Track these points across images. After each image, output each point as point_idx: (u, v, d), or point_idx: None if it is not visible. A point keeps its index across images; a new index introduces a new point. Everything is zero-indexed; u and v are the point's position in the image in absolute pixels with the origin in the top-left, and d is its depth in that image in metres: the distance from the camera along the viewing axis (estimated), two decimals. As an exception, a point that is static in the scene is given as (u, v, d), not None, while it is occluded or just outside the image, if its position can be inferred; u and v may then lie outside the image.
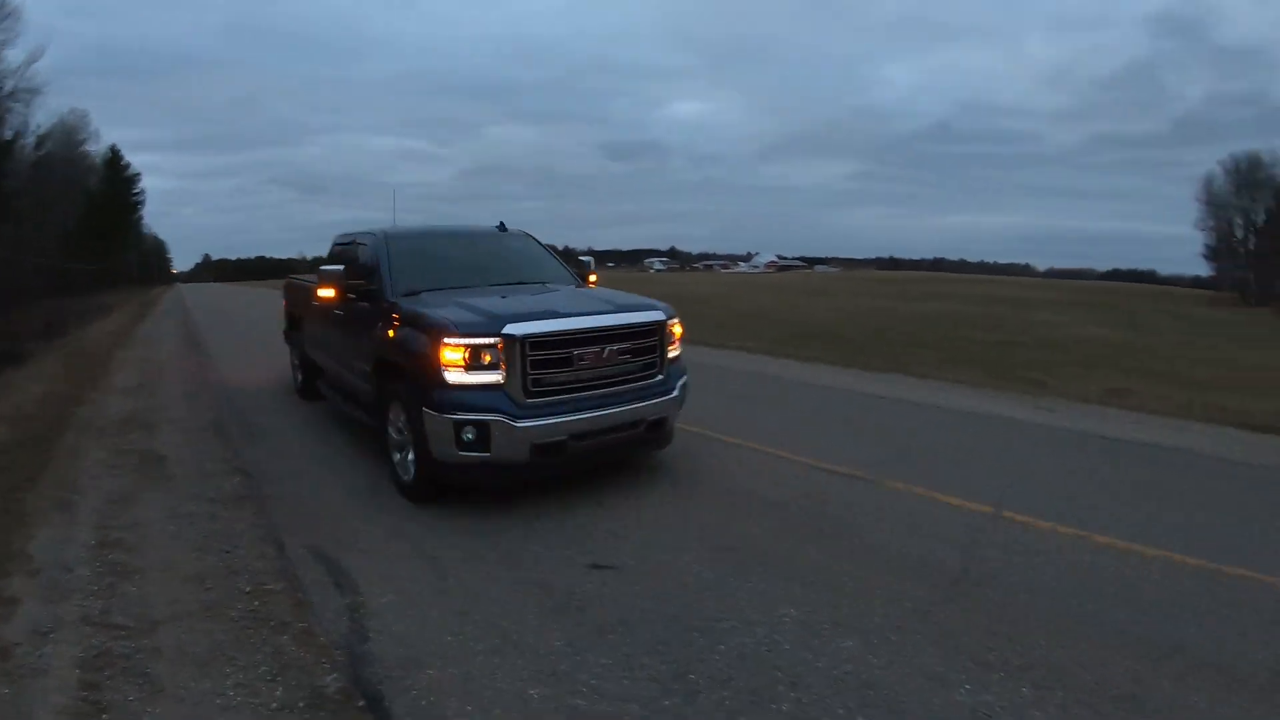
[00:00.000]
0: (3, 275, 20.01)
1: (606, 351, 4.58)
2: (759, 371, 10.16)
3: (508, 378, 4.30)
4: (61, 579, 3.49)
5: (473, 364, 4.26)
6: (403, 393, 4.67)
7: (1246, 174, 51.90)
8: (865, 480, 5.00)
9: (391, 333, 4.83)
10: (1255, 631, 3.06)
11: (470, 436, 4.22)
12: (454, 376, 4.27)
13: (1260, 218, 50.55)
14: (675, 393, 4.96)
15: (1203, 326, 24.07)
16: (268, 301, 21.43)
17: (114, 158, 51.99)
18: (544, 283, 5.85)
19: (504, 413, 4.24)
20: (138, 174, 56.71)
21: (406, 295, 5.10)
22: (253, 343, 13.36)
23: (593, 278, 6.36)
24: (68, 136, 39.90)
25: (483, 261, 6.08)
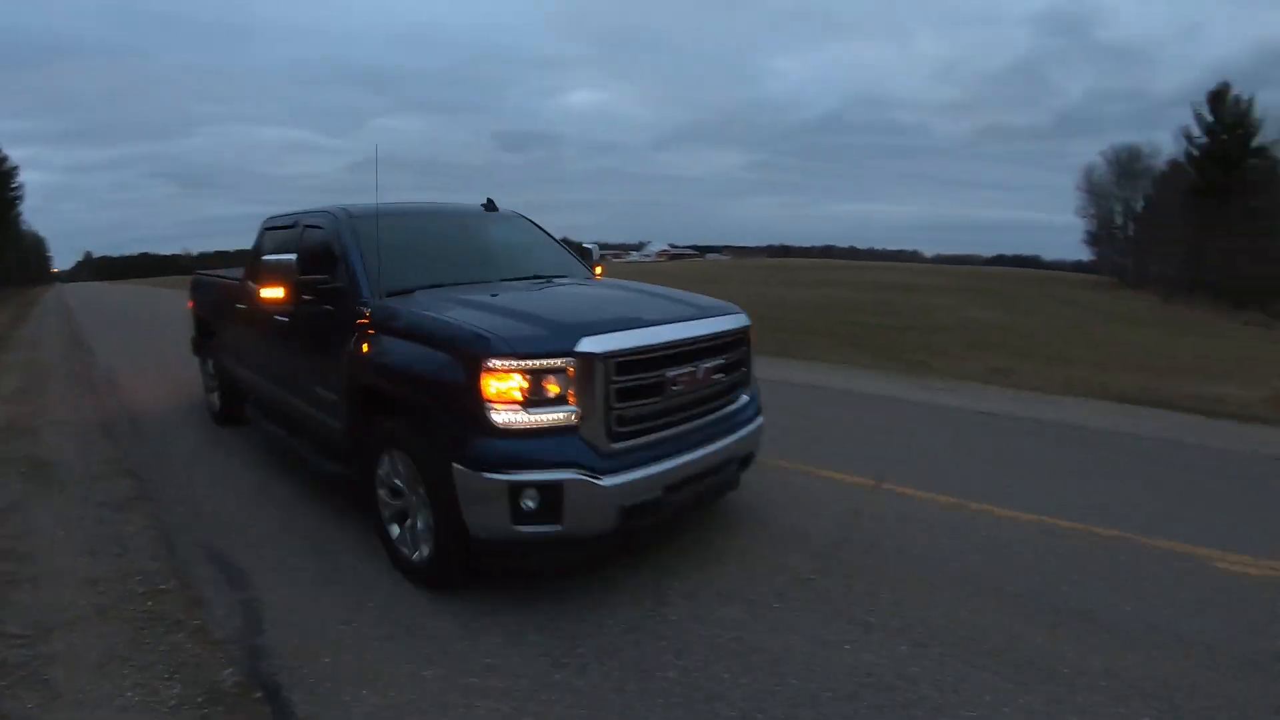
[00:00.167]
0: None
1: (702, 370, 3.55)
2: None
3: (584, 415, 3.08)
4: (-57, 592, 3.36)
5: (534, 397, 3.03)
6: (407, 438, 3.38)
7: (1126, 165, 55.88)
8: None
9: (367, 346, 3.64)
10: (1125, 586, 3.41)
11: (532, 504, 2.99)
12: (505, 417, 3.01)
13: (1139, 206, 54.46)
14: (761, 417, 4.05)
15: (1084, 309, 25.88)
16: (156, 299, 20.43)
17: (-11, 151, 48.21)
18: (560, 276, 4.73)
19: (583, 466, 3.03)
20: (15, 168, 52.75)
21: (395, 294, 3.83)
22: (146, 347, 12.77)
23: (599, 270, 5.25)
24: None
25: (480, 249, 4.89)
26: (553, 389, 3.05)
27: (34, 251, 68.78)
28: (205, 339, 6.81)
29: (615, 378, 3.13)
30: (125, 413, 7.11)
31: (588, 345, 3.08)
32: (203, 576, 3.55)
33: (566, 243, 5.46)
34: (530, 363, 3.02)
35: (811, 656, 2.84)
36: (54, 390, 8.45)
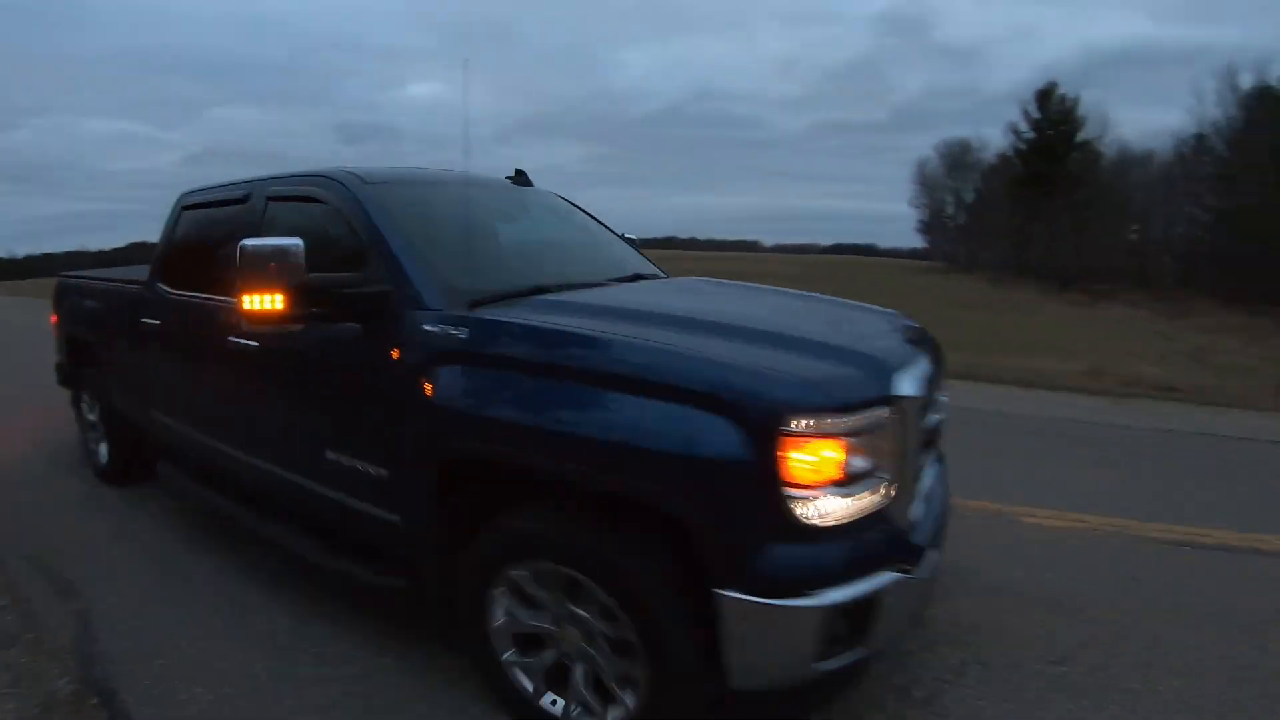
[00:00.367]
0: None
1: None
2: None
3: (895, 486, 2.13)
4: None
5: (852, 472, 2.03)
6: (575, 545, 2.20)
7: (957, 158, 61.18)
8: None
9: (429, 388, 2.44)
10: (995, 553, 4.03)
11: (844, 629, 2.04)
12: (816, 506, 1.97)
13: (969, 196, 59.74)
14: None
15: (917, 292, 28.26)
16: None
17: None
18: (654, 275, 3.73)
19: (900, 558, 2.13)
20: None
21: (484, 303, 2.63)
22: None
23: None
24: None
25: (555, 237, 3.84)
26: (864, 455, 2.05)
27: None
28: (79, 367, 5.20)
29: (913, 427, 2.24)
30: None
31: (906, 385, 2.19)
32: (33, 590, 3.60)
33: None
34: (849, 419, 2.00)
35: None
36: None
